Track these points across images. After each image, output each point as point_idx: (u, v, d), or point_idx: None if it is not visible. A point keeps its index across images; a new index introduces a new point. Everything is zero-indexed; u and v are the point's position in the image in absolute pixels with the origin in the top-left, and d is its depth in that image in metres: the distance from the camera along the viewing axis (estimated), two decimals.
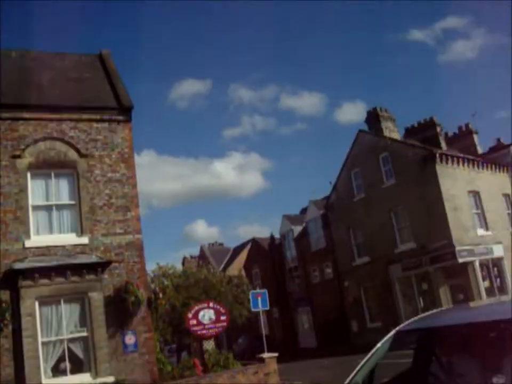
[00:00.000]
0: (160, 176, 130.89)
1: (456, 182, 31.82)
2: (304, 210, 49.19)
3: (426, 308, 29.99)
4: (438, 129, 36.19)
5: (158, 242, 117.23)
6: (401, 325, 5.65)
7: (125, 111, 17.63)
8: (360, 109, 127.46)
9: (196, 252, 79.37)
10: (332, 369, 22.96)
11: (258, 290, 21.16)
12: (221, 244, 70.43)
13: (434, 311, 6.16)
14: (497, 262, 32.73)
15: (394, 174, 33.87)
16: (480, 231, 32.23)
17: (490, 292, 30.60)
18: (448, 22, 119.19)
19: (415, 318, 5.75)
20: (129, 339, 15.85)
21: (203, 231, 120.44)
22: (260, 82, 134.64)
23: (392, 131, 36.16)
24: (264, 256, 51.24)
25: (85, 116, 17.07)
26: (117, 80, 19.04)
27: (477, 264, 30.61)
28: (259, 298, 19.94)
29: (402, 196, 32.96)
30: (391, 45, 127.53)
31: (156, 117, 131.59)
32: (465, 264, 30.31)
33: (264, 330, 20.67)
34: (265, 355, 16.85)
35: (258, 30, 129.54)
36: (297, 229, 46.73)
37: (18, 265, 14.91)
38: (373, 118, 36.47)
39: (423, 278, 32.00)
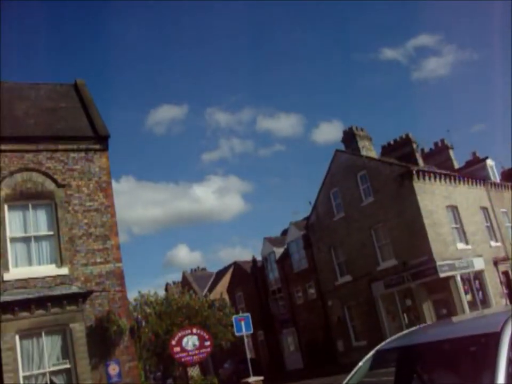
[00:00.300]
0: (140, 202, 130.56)
1: (434, 197, 32.10)
2: (285, 232, 49.24)
3: (411, 324, 30.04)
4: (414, 145, 36.59)
5: (139, 270, 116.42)
6: (381, 344, 5.67)
7: (101, 140, 17.61)
8: (337, 129, 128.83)
9: (178, 277, 78.92)
10: None
11: (241, 314, 21.09)
12: (203, 269, 70.11)
13: (416, 328, 6.19)
14: (479, 275, 32.96)
15: (372, 192, 34.08)
16: (460, 245, 32.47)
17: (473, 305, 30.75)
18: (419, 39, 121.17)
19: (395, 336, 5.77)
20: (113, 369, 15.66)
21: (185, 256, 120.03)
22: (236, 105, 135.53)
23: (369, 149, 36.44)
24: (247, 279, 51.09)
25: (61, 146, 17.00)
26: (92, 109, 19.04)
27: (458, 278, 30.79)
28: (242, 322, 19.86)
29: (381, 213, 33.16)
30: (364, 64, 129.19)
31: (133, 143, 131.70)
32: (447, 279, 30.47)
33: (249, 354, 20.54)
34: (251, 379, 16.75)
35: (232, 52, 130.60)
36: (279, 251, 46.73)
37: None
38: (350, 137, 36.75)
39: (406, 294, 32.10)
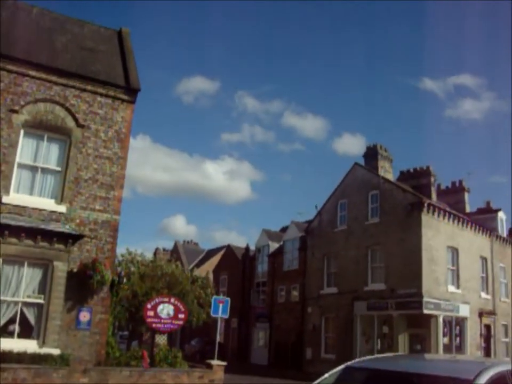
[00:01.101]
0: (150, 164, 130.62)
1: (438, 234, 31.96)
2: (284, 229, 49.19)
3: (382, 351, 30.04)
4: (432, 179, 36.41)
5: (133, 228, 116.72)
6: (352, 361, 5.62)
7: (131, 91, 17.58)
8: (359, 143, 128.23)
9: (169, 245, 79.11)
10: None
11: (221, 297, 21.05)
12: (196, 244, 70.23)
13: (389, 354, 6.14)
14: (461, 322, 32.85)
15: (379, 213, 33.95)
16: (451, 288, 32.35)
17: (448, 348, 30.68)
18: (461, 78, 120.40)
19: (368, 357, 5.73)
20: (84, 316, 15.71)
21: (181, 227, 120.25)
22: (268, 94, 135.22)
23: (387, 171, 36.30)
24: (236, 265, 51.13)
25: (90, 87, 16.99)
26: (130, 60, 18.99)
27: (440, 319, 30.68)
28: (221, 305, 19.83)
29: (383, 236, 33.05)
30: (401, 88, 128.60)
31: (159, 105, 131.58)
32: (429, 316, 30.38)
33: (219, 338, 20.54)
34: (214, 362, 16.73)
35: (278, 45, 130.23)
36: (274, 246, 46.71)
37: None
38: (371, 154, 36.63)
39: (386, 321, 32.03)
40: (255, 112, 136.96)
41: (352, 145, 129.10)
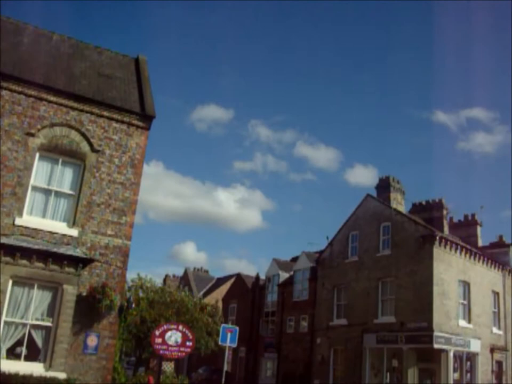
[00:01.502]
0: (162, 190, 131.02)
1: (450, 268, 31.74)
2: (294, 259, 49.02)
3: None
4: (444, 212, 36.27)
5: (143, 253, 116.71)
6: None
7: (146, 118, 17.75)
8: (371, 174, 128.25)
9: (179, 272, 78.97)
10: None
11: (230, 326, 20.96)
12: (206, 271, 70.04)
13: None
14: (472, 357, 32.44)
15: (391, 245, 33.80)
16: (462, 322, 32.03)
17: None
18: (474, 111, 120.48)
19: None
20: (92, 341, 15.68)
21: (191, 254, 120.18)
22: (281, 124, 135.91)
23: (399, 203, 36.22)
24: (245, 294, 50.90)
25: (106, 113, 17.19)
26: (146, 87, 19.21)
27: (451, 354, 30.33)
28: (229, 334, 19.76)
29: (394, 268, 32.86)
30: (414, 120, 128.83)
31: (172, 131, 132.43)
32: (439, 351, 30.04)
33: (226, 366, 20.40)
34: None
35: (292, 76, 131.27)
36: (284, 275, 46.51)
37: (3, 240, 14.83)
38: (384, 186, 36.61)
39: (395, 354, 31.68)
40: (268, 141, 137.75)
41: (364, 177, 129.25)
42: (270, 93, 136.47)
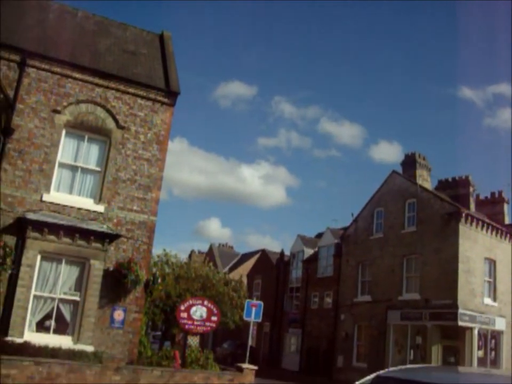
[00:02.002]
0: (186, 166, 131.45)
1: (475, 245, 31.49)
2: (319, 235, 49.02)
3: (415, 361, 29.72)
4: (471, 189, 35.86)
5: (169, 229, 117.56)
6: (384, 371, 5.59)
7: (171, 94, 17.78)
8: (396, 151, 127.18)
9: (204, 247, 79.46)
10: None
11: (254, 301, 21.09)
12: (231, 247, 70.37)
13: (421, 365, 6.09)
14: (497, 335, 32.29)
15: (416, 222, 33.60)
16: (487, 300, 31.83)
17: (482, 362, 30.20)
18: (501, 87, 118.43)
19: (399, 367, 5.68)
20: (118, 315, 15.93)
21: (215, 230, 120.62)
22: (304, 101, 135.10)
23: (425, 180, 35.92)
24: (270, 270, 51.10)
25: (131, 90, 17.26)
26: (171, 63, 19.20)
27: (476, 331, 30.21)
28: (254, 309, 19.90)
29: (419, 245, 32.70)
30: (439, 97, 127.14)
31: (196, 109, 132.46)
32: (464, 329, 29.94)
33: (250, 341, 20.58)
34: (245, 365, 16.74)
35: (316, 52, 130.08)
36: (308, 252, 46.56)
37: (31, 216, 15.09)
38: (410, 162, 36.31)
39: (419, 331, 31.66)
40: (292, 118, 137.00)
41: (388, 153, 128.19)
42: (293, 69, 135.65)
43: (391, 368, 5.58)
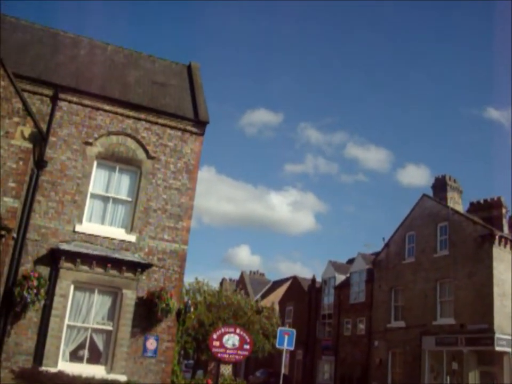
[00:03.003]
0: (215, 194, 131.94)
1: (510, 268, 30.95)
2: (350, 261, 48.72)
3: None
4: (504, 210, 35.37)
5: (199, 257, 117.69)
6: None
7: (200, 124, 17.99)
8: (424, 174, 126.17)
9: (234, 275, 79.35)
10: None
11: (287, 329, 20.99)
12: (262, 274, 70.20)
13: None
14: None
15: (449, 246, 33.23)
16: None
17: None
18: None
19: None
20: (151, 344, 15.98)
21: (245, 257, 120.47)
22: (330, 126, 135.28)
23: (457, 202, 35.59)
24: (302, 296, 50.85)
25: (161, 120, 17.52)
26: (199, 93, 19.45)
27: None
28: (286, 337, 19.79)
29: (452, 269, 32.29)
30: (465, 118, 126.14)
31: (223, 136, 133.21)
32: (501, 354, 29.35)
33: (283, 369, 20.42)
34: None
35: (338, 76, 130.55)
36: (340, 278, 46.28)
37: (64, 246, 15.32)
38: (440, 185, 36.05)
39: (455, 357, 31.11)
40: (318, 143, 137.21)
41: (416, 177, 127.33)
42: (318, 95, 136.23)
43: None
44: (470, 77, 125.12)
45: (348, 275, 45.00)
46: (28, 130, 15.02)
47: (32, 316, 14.87)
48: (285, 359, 19.93)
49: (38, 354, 14.67)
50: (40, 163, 15.76)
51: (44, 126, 15.87)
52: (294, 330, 20.40)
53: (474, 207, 37.28)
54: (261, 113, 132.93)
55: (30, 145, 15.03)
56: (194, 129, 17.91)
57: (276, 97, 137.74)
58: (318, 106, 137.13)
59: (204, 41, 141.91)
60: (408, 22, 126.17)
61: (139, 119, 17.28)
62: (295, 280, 54.88)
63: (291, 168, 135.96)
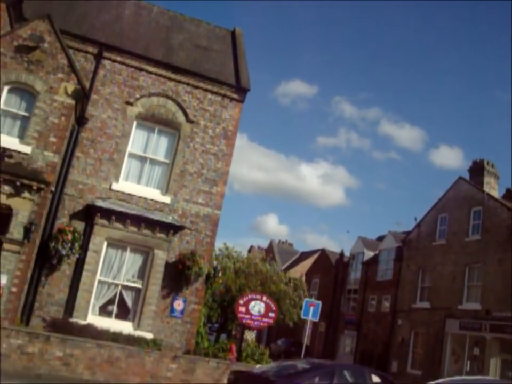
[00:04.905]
0: (246, 162, 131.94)
1: None
2: (380, 238, 48.52)
3: (471, 373, 29.08)
4: None
5: (227, 223, 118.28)
6: (442, 379, 5.59)
7: (241, 91, 18.02)
8: (457, 156, 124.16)
9: (261, 243, 79.69)
10: None
11: (313, 300, 21.13)
12: (290, 244, 70.25)
13: (479, 376, 6.08)
14: None
15: (481, 231, 32.82)
16: None
17: None
18: None
19: (458, 377, 5.67)
20: (178, 305, 16.29)
21: (273, 226, 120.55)
22: (365, 102, 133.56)
23: (493, 188, 35.04)
24: (328, 270, 50.93)
25: (202, 85, 17.58)
26: (242, 60, 19.40)
27: None
28: (311, 308, 19.95)
29: (482, 254, 31.95)
30: (503, 104, 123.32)
31: (257, 104, 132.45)
32: None
33: (305, 340, 20.58)
34: None
35: (377, 52, 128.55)
36: (369, 254, 46.13)
37: (100, 203, 15.62)
38: (477, 169, 35.48)
39: (478, 342, 30.94)
40: (352, 118, 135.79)
41: (449, 158, 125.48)
42: (354, 70, 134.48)
43: (451, 378, 5.59)
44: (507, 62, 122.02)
45: (377, 252, 44.83)
46: (71, 86, 15.26)
47: (66, 269, 15.28)
48: (308, 329, 20.04)
49: (69, 306, 15.14)
50: (81, 120, 16.02)
51: (86, 84, 16.09)
52: (320, 302, 20.54)
53: (510, 194, 36.69)
54: (296, 84, 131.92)
55: (72, 102, 15.29)
56: (234, 96, 17.94)
57: (312, 69, 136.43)
58: (354, 81, 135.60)
59: (243, 8, 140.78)
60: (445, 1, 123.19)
61: (181, 82, 17.37)
62: (323, 253, 54.93)
63: (323, 141, 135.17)
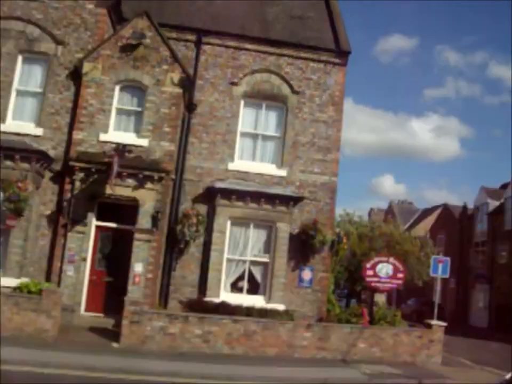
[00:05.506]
0: (355, 125, 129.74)
1: None
2: (504, 186, 46.50)
3: None
4: None
5: (344, 189, 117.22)
6: None
7: (342, 54, 17.78)
8: None
9: (380, 205, 78.63)
10: (499, 354, 21.88)
11: (441, 256, 20.70)
12: (410, 203, 68.71)
13: None
14: None
15: None
16: None
17: None
18: None
19: None
20: (306, 274, 16.51)
21: (389, 187, 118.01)
22: (470, 46, 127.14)
23: None
24: (453, 224, 49.55)
25: (302, 54, 17.52)
26: (339, 23, 19.07)
27: None
28: (440, 265, 19.49)
29: None
30: None
31: (357, 65, 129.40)
32: None
33: (436, 298, 20.22)
34: (434, 322, 16.53)
35: None
36: (494, 203, 44.34)
37: (219, 184, 16.06)
38: None
39: None
40: (458, 65, 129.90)
41: None
42: (453, 15, 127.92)
43: None
44: None
45: (502, 201, 43.03)
46: (176, 76, 15.75)
47: (194, 251, 15.92)
48: (438, 287, 19.66)
49: (202, 286, 15.77)
50: (190, 106, 16.48)
51: (190, 71, 16.50)
52: (448, 258, 20.07)
53: None
54: (394, 39, 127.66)
55: (180, 90, 15.79)
56: (336, 60, 17.75)
57: (409, 21, 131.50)
58: (455, 26, 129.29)
59: None
60: None
61: (281, 55, 17.41)
62: (445, 208, 53.45)
63: (431, 93, 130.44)
